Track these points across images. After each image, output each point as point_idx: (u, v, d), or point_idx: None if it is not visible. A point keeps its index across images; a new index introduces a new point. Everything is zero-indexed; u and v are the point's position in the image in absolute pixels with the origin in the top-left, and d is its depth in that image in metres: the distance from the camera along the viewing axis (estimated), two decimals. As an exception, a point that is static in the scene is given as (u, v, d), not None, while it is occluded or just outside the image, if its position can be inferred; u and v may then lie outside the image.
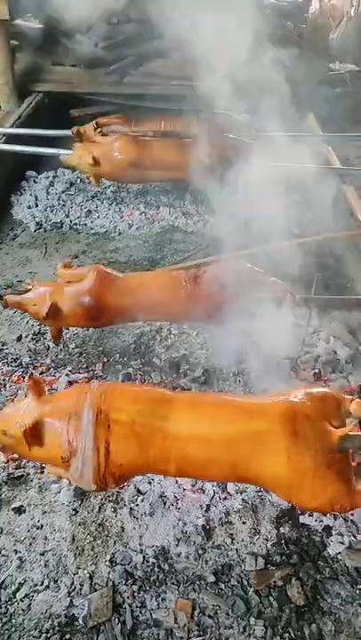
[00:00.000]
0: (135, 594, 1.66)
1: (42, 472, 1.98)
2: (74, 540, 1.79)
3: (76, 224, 3.60)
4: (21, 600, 1.64)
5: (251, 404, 1.60)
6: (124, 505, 1.88)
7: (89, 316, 2.21)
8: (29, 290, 2.25)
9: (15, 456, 2.02)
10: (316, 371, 2.39)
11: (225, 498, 1.90)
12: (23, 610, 1.62)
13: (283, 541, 1.79)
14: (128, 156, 3.40)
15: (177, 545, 1.77)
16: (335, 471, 1.47)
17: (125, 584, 1.67)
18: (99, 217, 3.65)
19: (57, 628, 1.58)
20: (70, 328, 2.64)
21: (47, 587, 1.67)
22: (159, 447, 1.53)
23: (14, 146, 3.77)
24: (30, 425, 1.55)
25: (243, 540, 1.79)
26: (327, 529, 1.82)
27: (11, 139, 3.93)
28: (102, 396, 1.58)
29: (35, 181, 3.97)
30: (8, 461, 2.01)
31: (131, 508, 1.86)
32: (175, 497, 1.89)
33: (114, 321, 2.33)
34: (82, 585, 1.67)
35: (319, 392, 1.59)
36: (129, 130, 3.58)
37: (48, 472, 1.94)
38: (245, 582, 1.69)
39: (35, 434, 1.56)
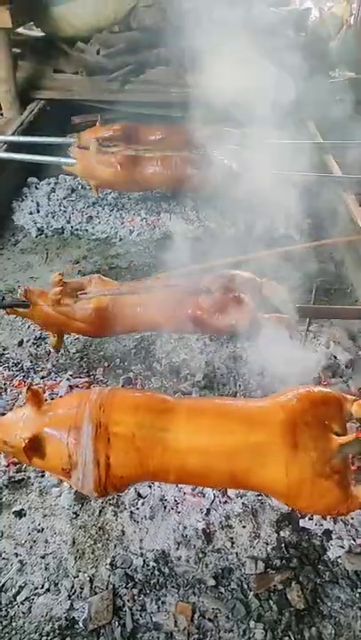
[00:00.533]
0: (135, 597, 1.66)
1: (42, 476, 1.99)
2: (74, 543, 1.79)
3: (77, 230, 3.62)
4: (22, 603, 1.64)
5: (251, 412, 1.59)
6: (125, 508, 1.88)
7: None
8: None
9: (16, 460, 2.03)
10: (316, 375, 2.40)
11: (225, 502, 1.91)
12: (23, 613, 1.63)
13: (283, 545, 1.79)
14: (128, 169, 3.43)
15: (177, 548, 1.77)
16: (333, 480, 1.47)
17: (126, 587, 1.68)
18: (100, 223, 3.67)
19: (57, 631, 1.58)
20: (71, 333, 2.65)
21: (47, 590, 1.67)
22: (159, 459, 1.54)
23: (16, 154, 3.80)
24: (29, 439, 1.55)
25: (243, 544, 1.79)
26: (327, 533, 1.82)
27: (13, 146, 3.97)
28: (101, 409, 1.57)
29: (36, 188, 3.99)
30: (9, 465, 2.01)
31: (131, 512, 1.87)
32: (175, 501, 1.90)
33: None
34: (82, 588, 1.67)
35: (321, 393, 1.59)
36: (129, 142, 3.60)
37: (49, 475, 1.96)
38: (245, 586, 1.69)
39: (34, 447, 1.56)
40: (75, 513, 1.87)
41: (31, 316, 2.31)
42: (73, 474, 1.56)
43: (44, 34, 5.09)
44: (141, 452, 1.53)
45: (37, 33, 5.24)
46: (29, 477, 1.98)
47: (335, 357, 2.50)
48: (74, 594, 1.66)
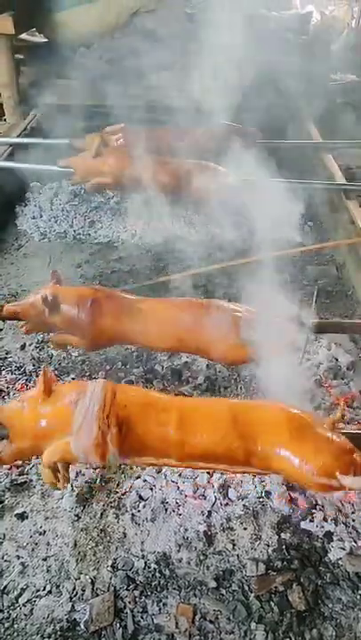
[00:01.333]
0: (137, 599, 1.66)
1: (44, 478, 2.00)
2: (76, 545, 1.80)
3: (79, 234, 3.64)
4: (24, 605, 1.65)
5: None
6: (126, 511, 1.89)
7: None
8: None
9: (18, 462, 2.04)
10: (318, 377, 2.41)
11: (226, 504, 1.91)
12: (25, 615, 1.63)
13: (284, 547, 1.79)
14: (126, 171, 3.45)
15: (178, 551, 1.78)
16: (333, 440, 1.60)
17: (127, 589, 1.68)
18: (102, 227, 3.69)
19: (59, 633, 1.59)
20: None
21: (49, 592, 1.68)
22: (163, 410, 1.68)
23: (14, 163, 3.83)
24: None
25: (244, 546, 1.80)
26: (328, 534, 1.82)
27: (16, 150, 4.01)
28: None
29: (39, 192, 4.01)
30: (11, 468, 2.02)
31: (132, 514, 1.88)
32: (177, 503, 1.90)
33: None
34: (84, 590, 1.68)
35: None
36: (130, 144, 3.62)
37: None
38: (246, 587, 1.70)
39: (49, 385, 1.69)
40: (76, 515, 1.88)
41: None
42: (79, 403, 1.65)
43: (46, 40, 5.12)
44: (147, 406, 1.68)
45: (40, 39, 5.28)
46: (31, 480, 1.99)
47: (336, 359, 2.50)
48: (75, 596, 1.67)
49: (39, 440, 1.68)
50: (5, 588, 1.69)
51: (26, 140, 4.15)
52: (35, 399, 1.68)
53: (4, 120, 4.68)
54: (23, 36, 5.04)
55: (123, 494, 1.94)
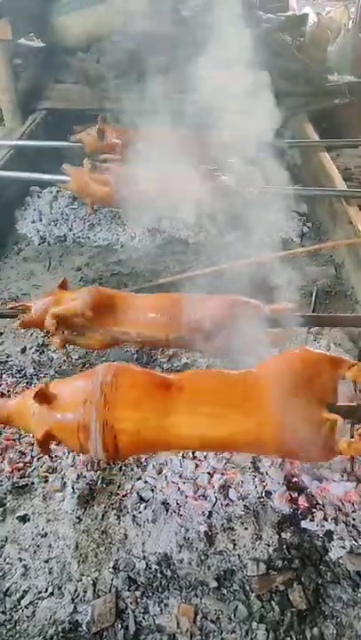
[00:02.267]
0: (138, 600, 1.67)
1: (46, 481, 2.01)
2: (77, 547, 1.81)
3: (79, 237, 3.66)
4: (26, 607, 1.66)
5: (247, 395, 1.71)
6: (127, 512, 1.90)
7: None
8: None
9: (20, 465, 2.05)
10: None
11: (227, 504, 1.92)
12: (28, 617, 1.64)
13: (284, 546, 1.80)
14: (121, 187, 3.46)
15: (179, 551, 1.79)
16: (319, 447, 1.63)
17: (128, 590, 1.69)
18: (101, 230, 3.71)
19: (61, 634, 1.60)
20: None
21: (51, 593, 1.69)
22: (163, 443, 1.72)
23: (11, 172, 3.85)
24: (43, 435, 1.72)
25: (245, 546, 1.80)
26: (329, 534, 1.83)
27: (16, 153, 4.03)
28: (106, 407, 1.68)
29: (38, 196, 4.03)
30: (13, 471, 2.03)
31: (134, 516, 1.88)
32: (177, 504, 1.91)
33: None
34: (85, 591, 1.69)
35: (315, 356, 1.73)
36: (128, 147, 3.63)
37: (53, 480, 1.99)
38: (247, 587, 1.70)
39: (48, 440, 1.75)
40: (78, 517, 1.89)
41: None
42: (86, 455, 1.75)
43: (44, 44, 5.15)
44: (147, 440, 1.71)
45: (38, 44, 5.30)
46: (33, 483, 2.00)
47: (336, 359, 2.51)
48: (77, 597, 1.68)
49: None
50: (8, 590, 1.70)
51: (28, 143, 4.16)
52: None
53: (4, 125, 4.69)
54: (21, 40, 5.06)
55: (124, 496, 1.95)
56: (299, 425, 1.60)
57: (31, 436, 2.15)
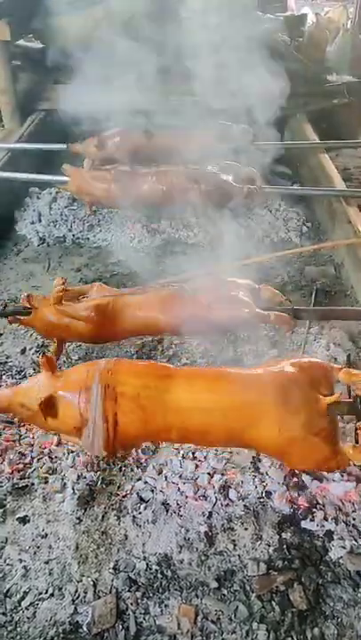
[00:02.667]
0: (139, 600, 1.67)
1: (46, 482, 2.01)
2: (78, 548, 1.81)
3: (78, 238, 3.66)
4: (26, 608, 1.66)
5: (245, 376, 1.78)
6: (127, 513, 1.90)
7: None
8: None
9: (20, 466, 2.05)
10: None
11: (227, 504, 1.92)
12: (28, 618, 1.64)
13: (285, 546, 1.80)
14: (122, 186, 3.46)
15: (180, 552, 1.79)
16: (322, 437, 1.65)
17: (129, 591, 1.69)
18: (101, 231, 3.70)
19: (61, 636, 1.60)
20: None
21: (52, 595, 1.69)
22: (162, 418, 1.72)
23: (10, 173, 3.85)
24: (45, 398, 1.74)
25: (245, 546, 1.80)
26: (329, 534, 1.83)
27: (14, 155, 4.03)
28: (109, 372, 1.76)
29: (38, 197, 4.02)
30: (13, 472, 2.03)
31: (134, 516, 1.88)
32: (177, 504, 1.91)
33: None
34: (86, 592, 1.69)
35: (309, 362, 1.78)
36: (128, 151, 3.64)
37: (53, 481, 1.98)
38: (248, 587, 1.70)
39: (49, 406, 1.75)
40: (78, 518, 1.89)
41: (32, 323, 2.34)
42: (84, 431, 1.73)
43: (43, 45, 5.14)
44: (146, 410, 1.71)
45: (37, 45, 5.29)
46: (33, 484, 2.00)
47: (335, 359, 2.51)
48: (77, 598, 1.68)
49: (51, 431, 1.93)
50: (8, 591, 1.70)
51: (24, 146, 4.16)
52: (39, 414, 1.77)
53: (2, 126, 4.69)
54: (20, 42, 5.06)
55: (124, 496, 1.95)
56: (299, 415, 1.65)
57: (31, 435, 2.16)
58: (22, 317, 2.34)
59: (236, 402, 1.69)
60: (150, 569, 1.74)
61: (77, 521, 1.88)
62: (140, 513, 1.89)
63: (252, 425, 1.68)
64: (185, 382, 1.75)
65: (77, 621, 1.63)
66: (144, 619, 1.63)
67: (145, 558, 1.77)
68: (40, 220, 3.78)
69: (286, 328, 2.29)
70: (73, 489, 1.96)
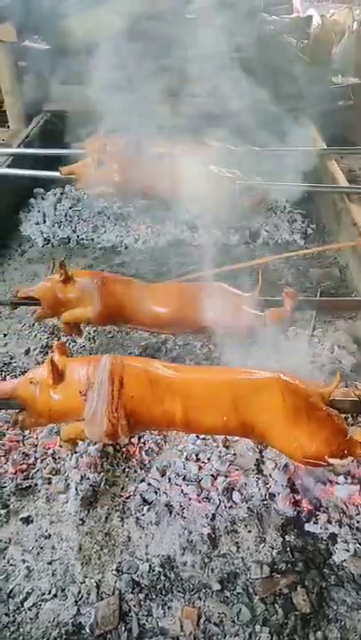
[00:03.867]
0: (141, 602, 1.67)
1: (49, 483, 2.00)
2: (81, 549, 1.81)
3: (82, 239, 3.66)
4: (29, 609, 1.66)
5: (248, 372, 1.82)
6: (131, 514, 1.89)
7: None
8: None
9: (23, 467, 2.05)
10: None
11: (230, 507, 1.91)
12: (31, 619, 1.64)
13: (288, 549, 1.80)
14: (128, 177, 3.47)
15: (183, 554, 1.78)
16: (328, 412, 1.69)
17: (132, 592, 1.69)
18: (105, 232, 3.71)
19: (64, 637, 1.59)
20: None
21: (55, 595, 1.69)
22: (165, 389, 1.74)
23: (17, 170, 3.85)
24: (55, 360, 1.78)
25: (248, 549, 1.80)
26: (332, 536, 1.82)
27: (19, 158, 4.03)
28: (117, 359, 1.81)
29: (42, 198, 4.04)
30: (16, 472, 2.03)
31: (137, 518, 1.88)
32: (181, 506, 1.91)
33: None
34: (89, 594, 1.69)
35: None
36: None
37: (56, 482, 1.98)
38: (251, 590, 1.70)
39: (58, 370, 1.76)
40: (81, 519, 1.89)
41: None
42: (88, 395, 1.72)
43: (49, 47, 5.15)
44: (152, 380, 1.75)
45: (42, 46, 5.31)
46: (37, 484, 2.00)
47: (340, 362, 2.50)
48: (80, 599, 1.68)
49: (54, 420, 1.87)
50: (11, 592, 1.70)
51: (27, 151, 4.17)
52: (46, 384, 1.78)
53: (8, 127, 4.71)
54: (26, 43, 5.07)
55: (127, 498, 1.95)
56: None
57: (34, 436, 2.16)
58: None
59: (240, 378, 1.76)
60: (153, 571, 1.74)
61: (81, 522, 1.88)
62: (143, 514, 1.89)
63: (255, 398, 1.72)
64: (189, 367, 1.88)
65: (80, 622, 1.62)
66: (147, 620, 1.63)
67: (148, 560, 1.77)
68: (45, 221, 3.79)
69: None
70: (76, 490, 1.95)
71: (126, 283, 2.43)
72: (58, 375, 1.76)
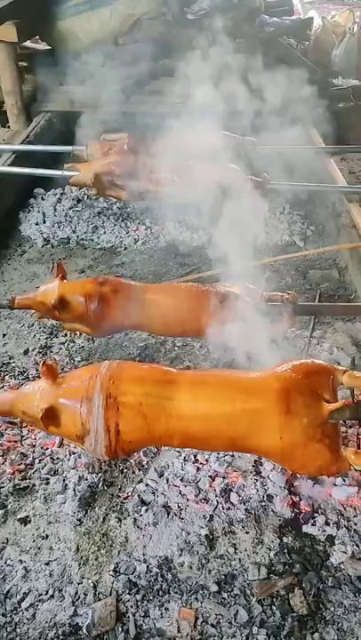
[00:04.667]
0: (139, 603, 1.67)
1: (47, 483, 2.00)
2: (78, 549, 1.81)
3: (82, 240, 3.66)
4: (26, 609, 1.66)
5: (248, 382, 1.78)
6: (128, 515, 1.89)
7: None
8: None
9: (21, 467, 2.05)
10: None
11: (228, 508, 1.91)
12: (28, 619, 1.64)
13: (286, 551, 1.79)
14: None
15: (180, 555, 1.78)
16: (324, 443, 1.66)
17: (129, 593, 1.69)
18: (105, 232, 3.70)
19: (61, 637, 1.59)
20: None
21: (52, 596, 1.68)
22: (164, 425, 1.73)
23: (19, 168, 3.85)
24: (46, 409, 1.74)
25: (246, 550, 1.80)
26: (330, 538, 1.82)
27: (20, 157, 4.04)
28: (111, 380, 1.76)
29: (42, 198, 4.03)
30: (14, 472, 2.03)
31: (135, 519, 1.88)
32: (179, 507, 1.91)
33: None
34: (86, 594, 1.69)
35: (313, 364, 1.78)
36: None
37: (54, 482, 1.98)
38: (248, 592, 1.70)
39: (51, 416, 1.76)
40: (79, 520, 1.89)
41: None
42: (86, 440, 1.76)
43: (49, 47, 5.16)
44: (148, 418, 1.72)
45: (43, 46, 5.32)
46: (34, 485, 2.00)
47: (338, 364, 2.50)
48: (78, 600, 1.67)
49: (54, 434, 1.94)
50: (8, 592, 1.69)
51: (29, 148, 4.17)
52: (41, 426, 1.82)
53: (8, 127, 4.71)
54: (27, 43, 5.08)
55: (125, 498, 1.95)
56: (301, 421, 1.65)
57: (32, 436, 2.16)
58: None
59: (238, 409, 1.69)
60: (151, 572, 1.74)
61: (78, 522, 1.88)
62: (141, 515, 1.89)
63: (253, 432, 1.69)
64: (187, 389, 1.75)
65: (77, 623, 1.62)
66: (144, 621, 1.63)
67: (145, 561, 1.77)
68: (44, 222, 3.79)
69: (288, 324, 2.28)
70: (74, 490, 1.95)
71: (126, 296, 2.31)
72: (51, 421, 1.77)
